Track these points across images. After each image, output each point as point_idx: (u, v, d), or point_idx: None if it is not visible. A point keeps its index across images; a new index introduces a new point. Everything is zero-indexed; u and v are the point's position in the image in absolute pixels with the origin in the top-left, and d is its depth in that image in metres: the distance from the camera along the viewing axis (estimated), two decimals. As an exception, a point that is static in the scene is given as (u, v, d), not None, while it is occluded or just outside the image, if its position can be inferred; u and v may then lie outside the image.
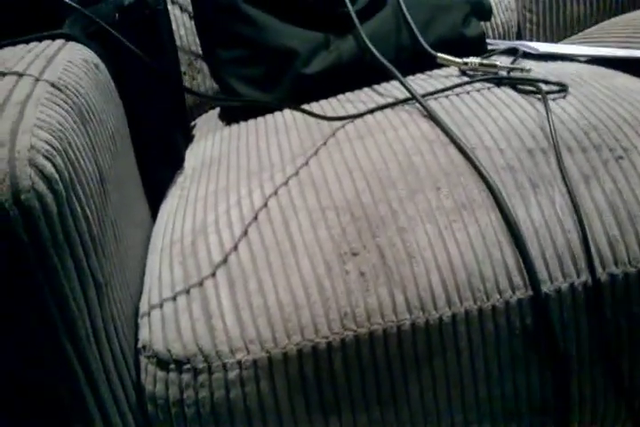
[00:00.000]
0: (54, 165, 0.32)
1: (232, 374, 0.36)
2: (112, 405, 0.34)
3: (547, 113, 0.48)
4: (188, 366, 0.36)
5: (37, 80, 0.38)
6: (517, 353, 0.39)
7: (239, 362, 0.36)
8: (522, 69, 0.57)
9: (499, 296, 0.39)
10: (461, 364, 0.39)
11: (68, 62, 0.43)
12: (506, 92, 0.53)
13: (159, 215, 0.51)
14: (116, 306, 0.37)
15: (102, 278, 0.35)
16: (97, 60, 0.48)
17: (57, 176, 0.32)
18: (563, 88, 0.52)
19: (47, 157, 0.32)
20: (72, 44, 0.47)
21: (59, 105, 0.37)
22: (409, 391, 0.38)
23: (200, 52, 0.70)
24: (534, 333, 0.39)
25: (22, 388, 0.32)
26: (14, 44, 0.45)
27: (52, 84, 0.39)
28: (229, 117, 0.63)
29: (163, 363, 0.37)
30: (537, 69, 0.58)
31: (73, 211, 0.33)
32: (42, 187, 0.31)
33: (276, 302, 0.38)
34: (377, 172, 0.45)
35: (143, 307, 0.41)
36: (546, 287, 0.39)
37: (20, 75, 0.39)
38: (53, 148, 0.33)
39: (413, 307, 0.38)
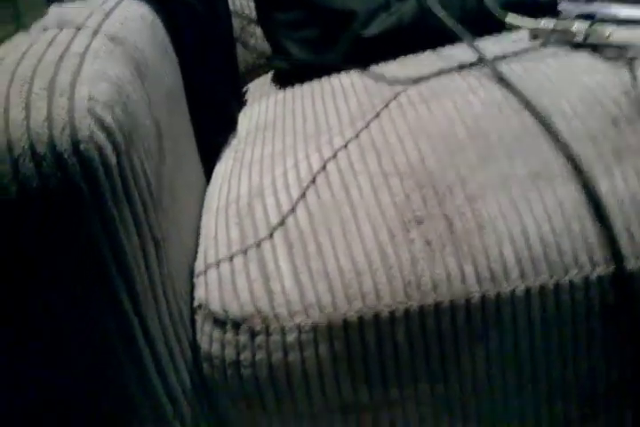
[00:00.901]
0: (113, 117, 0.31)
1: (290, 338, 0.35)
2: (168, 361, 0.34)
3: (632, 79, 0.44)
4: (245, 327, 0.35)
5: (96, 33, 0.37)
6: (595, 332, 0.36)
7: (298, 326, 0.35)
8: (601, 34, 0.52)
9: (577, 271, 0.36)
10: (534, 339, 0.36)
11: (126, 17, 0.42)
12: (584, 58, 0.49)
13: (213, 177, 0.50)
14: (173, 263, 0.36)
15: (160, 234, 0.34)
16: (153, 16, 0.47)
17: (116, 128, 0.31)
18: (649, 53, 0.48)
19: (106, 108, 0.31)
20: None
21: (117, 58, 0.36)
22: (475, 366, 0.36)
23: (253, 16, 0.68)
24: (615, 311, 0.36)
25: (80, 343, 0.32)
26: (72, -2, 0.44)
27: (111, 38, 0.37)
28: (283, 82, 0.61)
29: (219, 323, 0.36)
30: (617, 34, 0.53)
31: (132, 164, 0.32)
32: (101, 138, 0.30)
33: (336, 267, 0.36)
34: (443, 137, 0.42)
35: (199, 266, 0.40)
36: (630, 264, 0.36)
37: (79, 27, 0.37)
38: (112, 99, 0.32)
39: (484, 279, 0.36)
